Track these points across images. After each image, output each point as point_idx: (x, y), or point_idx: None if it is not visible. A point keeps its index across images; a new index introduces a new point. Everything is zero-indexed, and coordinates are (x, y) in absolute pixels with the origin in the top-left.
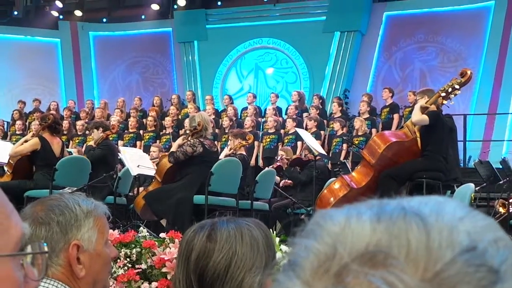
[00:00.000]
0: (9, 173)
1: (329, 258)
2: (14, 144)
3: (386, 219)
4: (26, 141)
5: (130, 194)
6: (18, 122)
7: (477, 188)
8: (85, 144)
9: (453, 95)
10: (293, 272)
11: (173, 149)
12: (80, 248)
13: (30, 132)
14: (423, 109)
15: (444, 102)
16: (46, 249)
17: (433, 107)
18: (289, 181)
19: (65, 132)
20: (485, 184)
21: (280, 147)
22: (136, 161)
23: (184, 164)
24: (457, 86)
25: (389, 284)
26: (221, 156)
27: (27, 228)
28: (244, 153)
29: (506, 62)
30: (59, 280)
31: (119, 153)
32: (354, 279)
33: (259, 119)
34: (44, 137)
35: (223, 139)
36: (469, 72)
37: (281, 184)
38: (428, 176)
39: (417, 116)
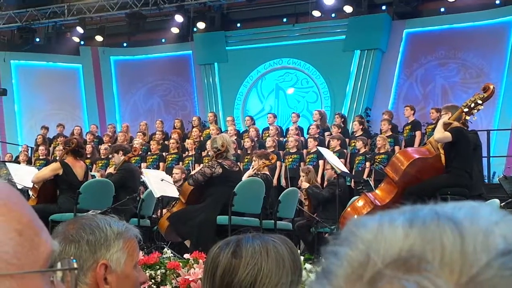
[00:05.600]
0: (34, 197)
1: (362, 265)
2: (38, 168)
3: (419, 224)
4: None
5: (154, 216)
6: (41, 147)
7: (502, 204)
8: (108, 168)
9: (476, 111)
10: (327, 280)
11: (193, 172)
12: (108, 268)
13: (54, 156)
14: (446, 126)
15: (467, 117)
16: (75, 265)
17: (456, 124)
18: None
19: (88, 156)
20: (510, 199)
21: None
22: (160, 183)
23: (207, 185)
24: (480, 101)
25: None
26: (245, 176)
27: (57, 245)
28: (268, 173)
29: None
30: None
31: (141, 176)
32: (388, 285)
33: (281, 139)
34: (66, 161)
35: (246, 160)
36: (491, 87)
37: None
38: (453, 192)
39: (439, 133)
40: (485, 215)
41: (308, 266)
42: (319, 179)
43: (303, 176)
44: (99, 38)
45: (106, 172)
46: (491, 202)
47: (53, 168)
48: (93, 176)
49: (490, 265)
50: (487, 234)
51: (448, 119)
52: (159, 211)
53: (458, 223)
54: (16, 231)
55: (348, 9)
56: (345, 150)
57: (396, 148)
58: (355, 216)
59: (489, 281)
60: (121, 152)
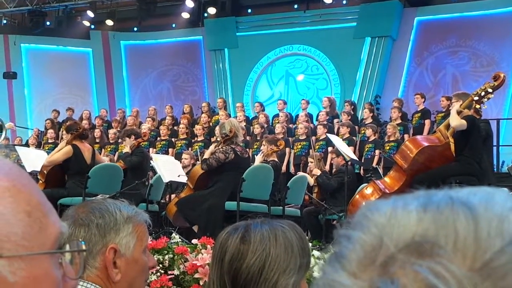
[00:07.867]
0: (41, 182)
1: (375, 249)
2: (47, 152)
3: (433, 209)
4: (60, 150)
5: (162, 201)
6: (50, 131)
7: (511, 193)
8: (117, 152)
9: (486, 99)
10: (339, 264)
11: (205, 156)
12: (117, 253)
13: (62, 141)
14: (458, 114)
15: (477, 106)
16: (84, 247)
17: (467, 112)
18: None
19: (97, 141)
20: None
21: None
22: (169, 168)
23: (216, 170)
24: (490, 90)
25: (436, 274)
26: (256, 162)
27: (66, 227)
28: (276, 159)
29: None
30: (94, 282)
31: (151, 161)
32: (400, 270)
33: (290, 125)
34: (76, 145)
35: (255, 146)
36: (502, 76)
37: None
38: (461, 181)
39: (457, 120)
40: (500, 201)
41: (316, 252)
42: (327, 167)
43: (311, 162)
44: (109, 22)
45: (117, 154)
46: None
47: (65, 152)
48: None
49: (504, 251)
50: (501, 220)
51: (460, 106)
52: (168, 196)
53: (472, 208)
54: (25, 212)
55: None
56: (354, 138)
57: (406, 136)
58: (364, 204)
59: (502, 267)
60: (133, 137)
